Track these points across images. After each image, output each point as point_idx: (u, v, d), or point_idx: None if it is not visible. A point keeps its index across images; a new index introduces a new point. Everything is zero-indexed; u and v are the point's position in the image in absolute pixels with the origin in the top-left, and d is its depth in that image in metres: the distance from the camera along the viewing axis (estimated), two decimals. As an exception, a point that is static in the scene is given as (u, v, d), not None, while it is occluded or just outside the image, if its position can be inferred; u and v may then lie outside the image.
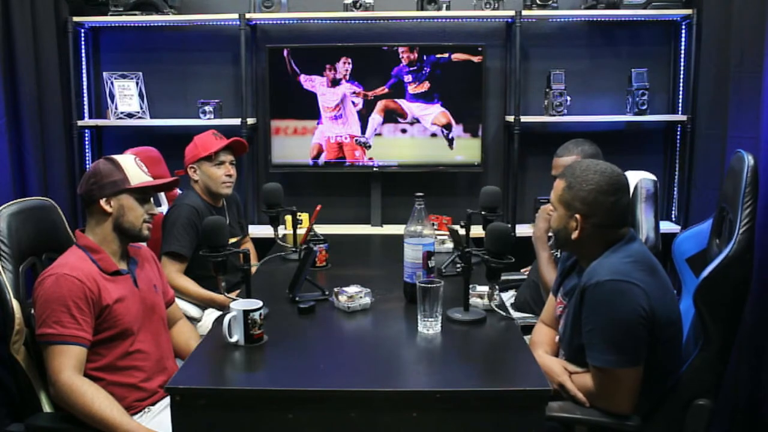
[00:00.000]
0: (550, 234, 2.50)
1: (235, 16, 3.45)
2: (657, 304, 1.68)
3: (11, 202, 1.98)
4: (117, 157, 1.96)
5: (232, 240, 2.53)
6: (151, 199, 2.00)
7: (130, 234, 1.93)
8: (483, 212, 2.51)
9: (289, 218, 2.85)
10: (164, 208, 2.93)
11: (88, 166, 3.62)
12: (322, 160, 3.62)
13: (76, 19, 3.45)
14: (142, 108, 3.61)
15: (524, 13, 3.42)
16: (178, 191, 3.02)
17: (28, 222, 1.97)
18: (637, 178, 2.49)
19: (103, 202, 1.89)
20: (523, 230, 3.45)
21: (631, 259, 1.73)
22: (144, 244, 2.07)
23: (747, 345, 2.38)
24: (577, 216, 1.77)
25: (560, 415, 1.70)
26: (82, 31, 3.58)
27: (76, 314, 1.76)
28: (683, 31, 3.51)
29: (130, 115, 3.58)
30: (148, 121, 3.60)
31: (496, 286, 1.94)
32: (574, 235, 1.79)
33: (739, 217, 1.77)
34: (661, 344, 1.71)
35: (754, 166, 1.80)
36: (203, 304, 2.62)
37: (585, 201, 1.77)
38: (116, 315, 1.84)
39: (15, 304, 1.80)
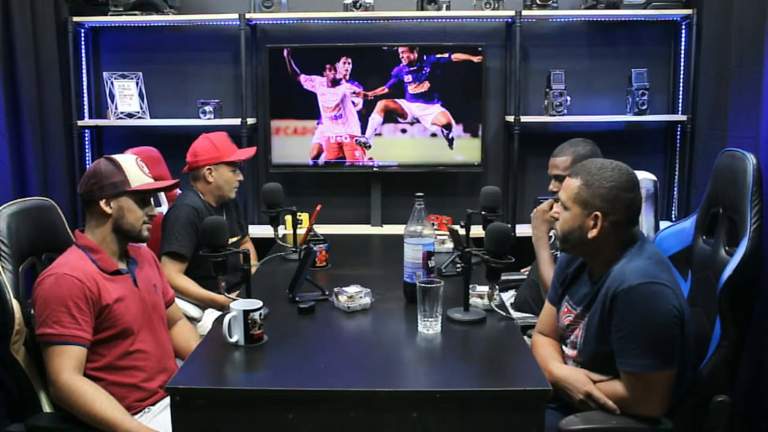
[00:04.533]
0: (551, 234, 2.51)
1: (235, 16, 3.45)
2: (683, 302, 1.68)
3: (11, 202, 1.97)
4: (118, 158, 1.95)
5: (232, 240, 2.53)
6: (151, 200, 2.00)
7: (129, 235, 1.93)
8: (483, 212, 2.51)
9: (289, 218, 2.85)
10: (164, 208, 2.93)
11: (88, 166, 3.61)
12: (322, 160, 3.62)
13: (76, 19, 3.45)
14: (142, 108, 3.61)
15: (524, 13, 3.42)
16: (178, 191, 3.02)
17: (28, 222, 1.96)
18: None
19: (102, 203, 1.89)
20: (523, 230, 3.45)
21: (653, 260, 1.71)
22: (144, 244, 2.07)
23: (748, 344, 2.38)
24: (597, 214, 1.73)
25: (591, 427, 1.64)
26: (82, 31, 3.58)
27: (76, 314, 1.76)
28: (683, 31, 3.51)
29: (130, 115, 3.58)
30: (148, 121, 3.60)
31: (496, 286, 1.94)
32: (592, 233, 1.74)
33: (749, 216, 1.77)
34: (683, 341, 1.69)
35: (758, 165, 1.82)
36: (203, 304, 2.62)
37: (605, 198, 1.73)
38: (116, 315, 1.84)
39: (15, 303, 1.80)
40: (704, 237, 2.02)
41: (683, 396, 1.75)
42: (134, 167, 1.94)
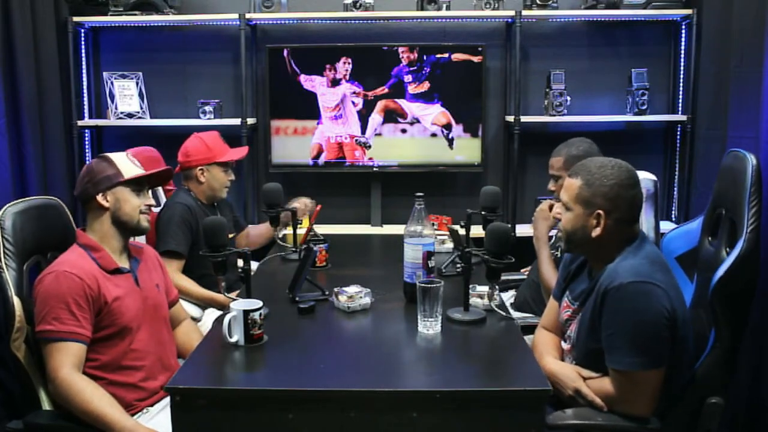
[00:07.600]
0: (551, 234, 2.51)
1: (235, 16, 3.45)
2: (676, 304, 1.67)
3: (17, 201, 1.99)
4: (108, 155, 1.99)
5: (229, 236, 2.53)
6: (149, 192, 2.03)
7: (128, 227, 1.94)
8: (483, 212, 2.51)
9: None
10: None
11: (88, 166, 3.63)
12: (322, 160, 3.62)
13: (76, 19, 3.45)
14: (142, 108, 3.61)
15: (524, 13, 3.42)
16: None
17: (33, 220, 1.98)
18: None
19: (99, 197, 1.91)
20: (523, 230, 3.45)
21: (649, 259, 1.71)
22: (144, 242, 2.08)
23: (748, 345, 2.38)
24: (600, 212, 1.74)
25: (578, 422, 1.66)
26: (82, 31, 3.58)
27: (76, 311, 1.76)
28: (683, 31, 3.51)
29: (130, 115, 3.58)
30: (148, 121, 3.60)
31: (496, 286, 1.94)
32: (596, 232, 1.74)
33: (746, 217, 1.76)
34: (678, 343, 1.69)
35: (757, 165, 1.81)
36: (203, 304, 2.62)
37: (607, 196, 1.73)
38: (115, 313, 1.84)
39: (16, 301, 1.81)
40: (710, 238, 2.02)
41: (677, 396, 1.76)
42: (125, 160, 1.98)
